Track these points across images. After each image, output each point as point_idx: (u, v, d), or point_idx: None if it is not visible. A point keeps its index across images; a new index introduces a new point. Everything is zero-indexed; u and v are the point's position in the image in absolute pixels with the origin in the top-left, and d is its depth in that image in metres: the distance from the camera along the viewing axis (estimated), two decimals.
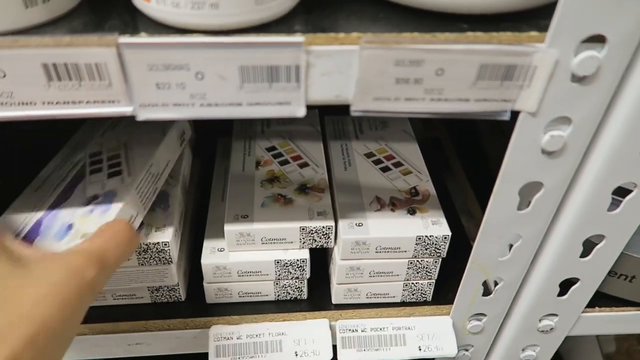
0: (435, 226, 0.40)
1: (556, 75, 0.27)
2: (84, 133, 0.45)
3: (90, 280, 0.28)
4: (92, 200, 0.36)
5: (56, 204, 0.36)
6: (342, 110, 0.51)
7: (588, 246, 0.38)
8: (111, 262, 0.30)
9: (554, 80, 0.27)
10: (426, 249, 0.40)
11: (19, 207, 0.37)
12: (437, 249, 0.40)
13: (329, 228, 0.40)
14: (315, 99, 0.28)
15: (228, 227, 0.39)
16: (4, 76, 0.25)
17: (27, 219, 0.35)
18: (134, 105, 0.27)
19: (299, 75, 0.27)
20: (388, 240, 0.39)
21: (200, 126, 0.54)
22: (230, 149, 0.48)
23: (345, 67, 0.27)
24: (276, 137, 0.49)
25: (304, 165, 0.46)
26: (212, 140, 0.54)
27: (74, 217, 0.35)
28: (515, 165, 0.32)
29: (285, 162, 0.46)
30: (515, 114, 0.30)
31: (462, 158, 0.61)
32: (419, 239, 0.39)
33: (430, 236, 0.39)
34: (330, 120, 0.52)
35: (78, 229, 0.34)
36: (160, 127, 0.43)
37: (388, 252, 0.40)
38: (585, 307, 0.44)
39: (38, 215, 0.36)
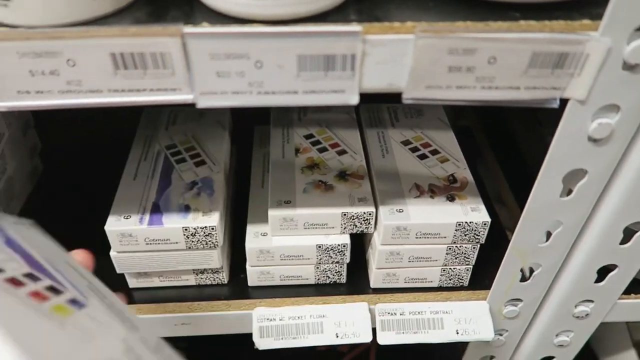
0: (474, 213, 0.41)
1: (607, 64, 0.28)
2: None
3: None
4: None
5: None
6: (375, 98, 0.52)
7: (627, 233, 0.38)
8: None
9: (605, 68, 0.28)
10: (465, 235, 0.41)
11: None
12: (477, 235, 0.41)
13: (370, 214, 0.41)
14: (368, 87, 0.29)
15: (272, 213, 0.41)
16: (74, 65, 0.27)
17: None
18: (194, 93, 0.28)
19: (354, 64, 0.27)
20: (428, 226, 0.40)
21: (237, 115, 0.55)
22: (267, 137, 0.49)
23: (399, 56, 0.27)
24: (313, 125, 0.50)
25: (342, 152, 0.46)
26: (249, 128, 0.55)
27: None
28: (561, 152, 0.32)
29: (323, 150, 0.47)
30: (561, 102, 0.30)
31: (494, 147, 0.62)
32: (459, 225, 0.40)
33: (470, 222, 0.40)
34: (365, 109, 0.53)
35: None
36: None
37: (428, 237, 0.41)
38: (621, 294, 0.44)
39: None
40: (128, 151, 0.47)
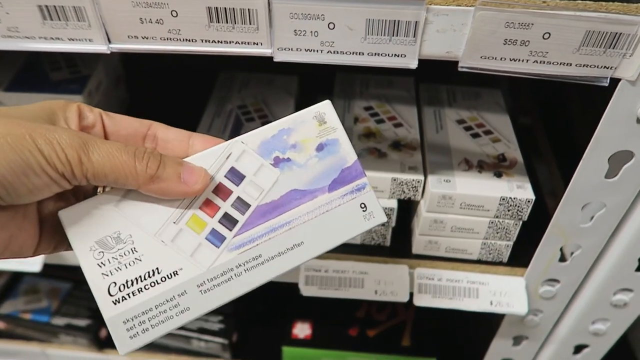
0: (519, 190, 0.43)
1: None
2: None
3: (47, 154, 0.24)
4: None
5: None
6: (435, 78, 0.55)
7: None
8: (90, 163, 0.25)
9: None
10: (509, 211, 0.43)
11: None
12: (520, 211, 0.43)
13: (419, 181, 0.44)
14: (427, 53, 0.31)
15: None
16: (176, 15, 0.31)
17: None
18: (273, 48, 0.32)
19: (417, 31, 0.30)
20: (473, 197, 0.43)
21: (304, 84, 0.59)
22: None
23: (459, 26, 0.30)
24: (374, 99, 0.53)
25: (398, 125, 0.49)
26: (314, 98, 0.59)
27: None
28: (609, 132, 0.34)
29: (381, 121, 0.50)
30: (612, 89, 0.31)
31: (554, 145, 0.62)
32: (503, 199, 0.42)
33: (514, 198, 0.42)
34: (425, 88, 0.55)
35: None
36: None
37: (471, 209, 0.43)
38: None
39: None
40: (203, 110, 0.52)
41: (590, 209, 0.40)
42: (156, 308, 0.27)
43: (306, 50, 0.32)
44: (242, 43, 0.32)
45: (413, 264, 0.47)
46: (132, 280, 0.27)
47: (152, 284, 0.27)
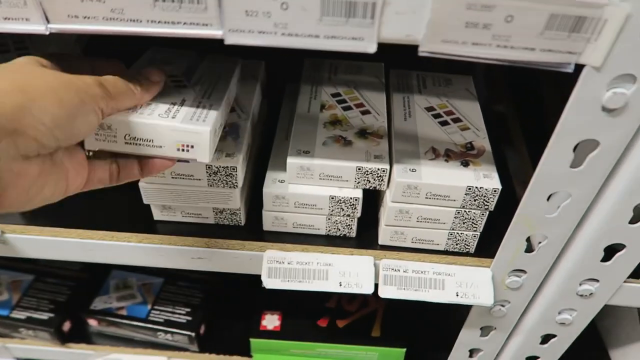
0: (486, 179, 0.42)
1: (625, 31, 0.28)
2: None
3: (92, 94, 0.32)
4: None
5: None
6: (406, 64, 0.53)
7: (638, 213, 0.38)
8: (113, 94, 0.34)
9: (622, 35, 0.28)
10: (475, 200, 0.42)
11: None
12: (486, 201, 0.42)
13: (384, 171, 0.42)
14: (386, 37, 0.30)
15: (290, 160, 0.43)
16: None
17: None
18: (223, 30, 0.30)
19: (375, 12, 0.29)
20: (439, 187, 0.41)
21: (271, 71, 0.57)
22: (297, 93, 0.51)
23: (418, 7, 0.28)
24: (342, 85, 0.51)
25: (365, 112, 0.48)
26: (281, 85, 0.57)
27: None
28: (574, 121, 0.33)
29: (348, 108, 0.48)
30: (577, 73, 0.30)
31: (527, 133, 0.61)
32: (469, 189, 0.41)
33: (480, 188, 0.41)
34: (395, 74, 0.54)
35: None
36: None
37: (438, 199, 0.42)
38: (628, 277, 0.44)
39: None
40: None
41: (557, 199, 0.39)
42: None
43: (259, 32, 0.30)
44: (190, 24, 0.30)
45: (379, 255, 0.46)
46: None
47: None
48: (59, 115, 0.30)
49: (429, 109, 0.49)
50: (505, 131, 0.63)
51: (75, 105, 0.31)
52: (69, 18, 0.30)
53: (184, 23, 0.30)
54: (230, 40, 0.31)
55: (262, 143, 0.54)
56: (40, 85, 0.30)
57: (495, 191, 0.41)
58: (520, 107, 0.65)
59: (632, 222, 0.39)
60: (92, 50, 0.61)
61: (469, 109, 0.49)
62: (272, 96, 0.58)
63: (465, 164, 0.43)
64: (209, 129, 0.37)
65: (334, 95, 0.50)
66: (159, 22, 0.30)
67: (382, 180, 0.43)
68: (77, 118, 0.31)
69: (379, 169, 0.42)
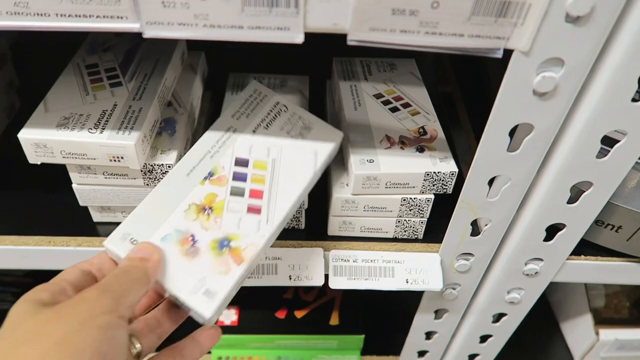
0: (442, 163, 0.41)
1: (550, 14, 0.28)
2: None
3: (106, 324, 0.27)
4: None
5: None
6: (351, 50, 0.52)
7: (576, 193, 0.39)
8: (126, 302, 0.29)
9: (547, 19, 0.28)
10: (433, 185, 0.42)
11: None
12: (444, 185, 0.42)
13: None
14: (313, 26, 0.29)
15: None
16: None
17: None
18: (140, 22, 0.28)
19: (298, 1, 0.27)
20: (398, 175, 0.41)
21: (213, 61, 0.55)
22: (241, 84, 0.50)
23: None
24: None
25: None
26: (225, 74, 0.55)
27: None
28: (506, 106, 0.33)
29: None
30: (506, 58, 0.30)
31: (472, 114, 0.62)
32: (427, 174, 0.41)
33: (438, 172, 0.41)
34: (338, 62, 0.53)
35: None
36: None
37: (397, 187, 0.42)
38: (571, 255, 0.45)
39: None
40: None
41: (498, 182, 0.39)
42: None
43: (179, 24, 0.29)
44: (103, 17, 0.28)
45: (328, 246, 0.46)
46: None
47: None
48: None
49: (378, 95, 0.48)
50: (452, 113, 0.64)
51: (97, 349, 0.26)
52: None
53: (97, 16, 0.28)
54: (150, 33, 0.29)
55: None
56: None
57: (452, 174, 0.41)
58: (466, 88, 0.65)
59: (570, 202, 0.39)
60: (17, 49, 0.58)
61: (416, 93, 0.49)
62: (215, 87, 0.56)
63: (421, 150, 0.43)
64: (134, 143, 0.37)
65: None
66: (68, 15, 0.28)
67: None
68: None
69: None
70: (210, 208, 0.36)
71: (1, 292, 0.66)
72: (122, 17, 0.28)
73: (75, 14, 0.28)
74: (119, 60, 0.45)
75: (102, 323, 0.27)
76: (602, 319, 0.64)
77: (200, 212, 0.36)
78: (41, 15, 0.28)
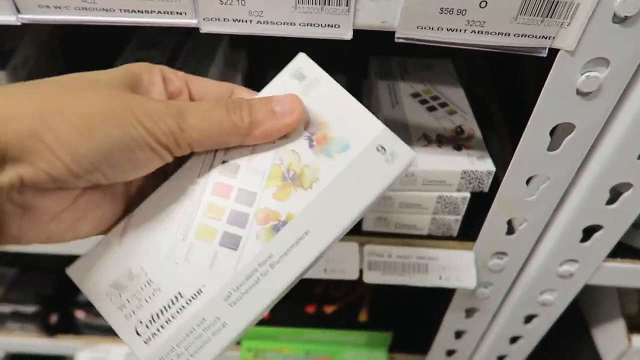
0: (480, 162, 0.42)
1: (597, 15, 0.28)
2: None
3: (152, 127, 0.23)
4: None
5: None
6: (386, 49, 0.53)
7: (615, 194, 0.39)
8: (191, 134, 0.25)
9: (594, 19, 0.28)
10: (470, 183, 0.42)
11: None
12: (481, 183, 0.42)
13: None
14: (362, 24, 0.30)
15: None
16: None
17: None
18: (198, 18, 0.30)
19: (350, 0, 0.29)
20: (435, 173, 0.42)
21: (254, 60, 0.56)
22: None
23: None
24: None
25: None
26: (264, 72, 0.56)
27: None
28: (549, 105, 0.33)
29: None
30: (551, 58, 0.31)
31: (507, 116, 0.62)
32: (465, 173, 0.42)
33: (475, 171, 0.41)
34: (375, 61, 0.54)
35: None
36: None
37: (434, 184, 0.43)
38: (607, 257, 0.45)
39: None
40: None
41: (536, 182, 0.40)
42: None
43: (234, 21, 0.30)
44: (164, 13, 0.30)
45: (363, 241, 0.47)
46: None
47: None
48: (80, 150, 0.22)
49: (415, 95, 0.49)
50: (486, 114, 0.64)
51: (115, 139, 0.23)
52: (40, 8, 0.30)
53: (158, 12, 0.30)
54: (206, 29, 0.30)
55: None
56: (69, 109, 0.22)
57: (489, 173, 0.42)
58: (500, 90, 0.65)
59: (608, 203, 0.39)
60: (67, 45, 0.60)
61: (453, 93, 0.49)
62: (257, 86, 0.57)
63: (458, 148, 0.43)
64: None
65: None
66: (132, 11, 0.30)
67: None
68: (114, 156, 0.23)
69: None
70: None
71: (43, 276, 0.69)
72: (181, 13, 0.30)
73: (138, 9, 0.30)
74: (165, 56, 0.47)
75: (129, 129, 0.23)
76: (636, 326, 0.63)
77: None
78: (107, 10, 0.30)
